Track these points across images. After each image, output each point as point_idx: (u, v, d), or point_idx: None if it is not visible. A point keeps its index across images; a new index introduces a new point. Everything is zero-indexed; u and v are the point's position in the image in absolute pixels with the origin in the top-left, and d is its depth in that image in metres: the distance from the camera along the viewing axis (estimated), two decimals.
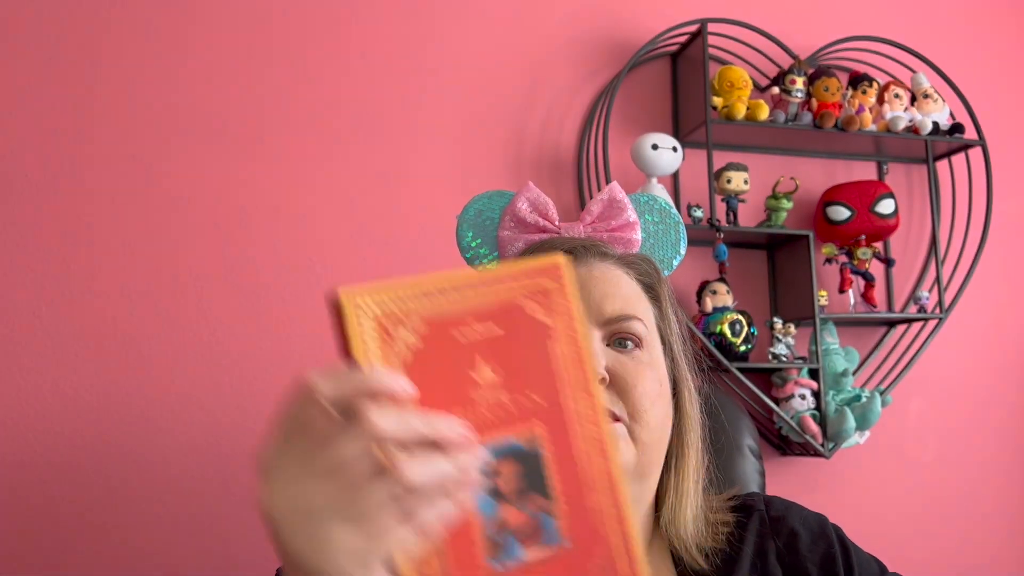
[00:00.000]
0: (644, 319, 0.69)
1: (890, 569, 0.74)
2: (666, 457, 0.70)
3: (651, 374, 0.67)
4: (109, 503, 1.42)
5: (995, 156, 1.93)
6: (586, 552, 0.48)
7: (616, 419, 0.65)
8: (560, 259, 0.51)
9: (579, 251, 0.71)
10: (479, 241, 0.81)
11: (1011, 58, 2.13)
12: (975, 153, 1.93)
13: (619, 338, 0.68)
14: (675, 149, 1.67)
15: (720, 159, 1.77)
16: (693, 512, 0.70)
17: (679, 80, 1.85)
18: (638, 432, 0.65)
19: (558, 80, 1.78)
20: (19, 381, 1.41)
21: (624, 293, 0.69)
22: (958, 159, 1.97)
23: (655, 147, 1.64)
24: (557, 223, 0.78)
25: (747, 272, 1.84)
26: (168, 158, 1.53)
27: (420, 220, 1.64)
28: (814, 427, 1.68)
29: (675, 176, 1.80)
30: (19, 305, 1.43)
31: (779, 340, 1.72)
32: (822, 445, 1.69)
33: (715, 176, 1.73)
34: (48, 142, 1.48)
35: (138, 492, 1.43)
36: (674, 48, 1.85)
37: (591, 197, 1.74)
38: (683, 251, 0.81)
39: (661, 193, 1.69)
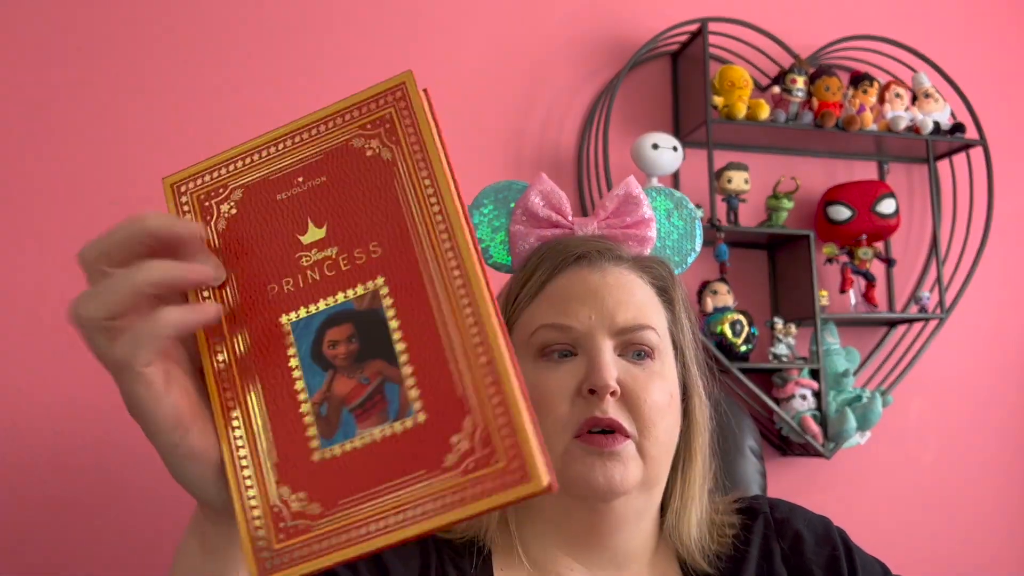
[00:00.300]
0: (657, 327, 0.68)
1: (893, 572, 0.74)
2: (673, 461, 0.70)
3: (661, 385, 0.67)
4: (110, 503, 1.42)
5: (996, 156, 1.93)
6: (449, 424, 0.38)
7: (626, 435, 0.64)
8: (405, 76, 0.44)
9: (593, 255, 0.70)
10: (491, 235, 0.79)
11: (1012, 58, 2.12)
12: (976, 153, 1.93)
13: (632, 347, 0.67)
14: (675, 149, 1.66)
15: (720, 159, 1.77)
16: (698, 516, 0.70)
17: (679, 80, 1.85)
18: (647, 447, 0.65)
19: (558, 80, 1.78)
20: (19, 381, 1.41)
21: (638, 300, 0.68)
22: (959, 159, 1.97)
23: (655, 147, 1.64)
24: (570, 218, 0.75)
25: (748, 272, 1.84)
26: (168, 159, 1.53)
27: None
28: (815, 427, 1.68)
29: (675, 176, 1.80)
30: (19, 305, 1.43)
31: (780, 340, 1.72)
32: (823, 445, 1.69)
33: (716, 176, 1.73)
34: (48, 142, 1.48)
35: (139, 492, 1.43)
36: (674, 47, 1.85)
37: (591, 197, 1.74)
38: (699, 247, 0.78)
39: None
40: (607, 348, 0.65)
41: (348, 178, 0.42)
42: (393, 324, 0.40)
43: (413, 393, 0.39)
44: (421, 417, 0.39)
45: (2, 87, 1.47)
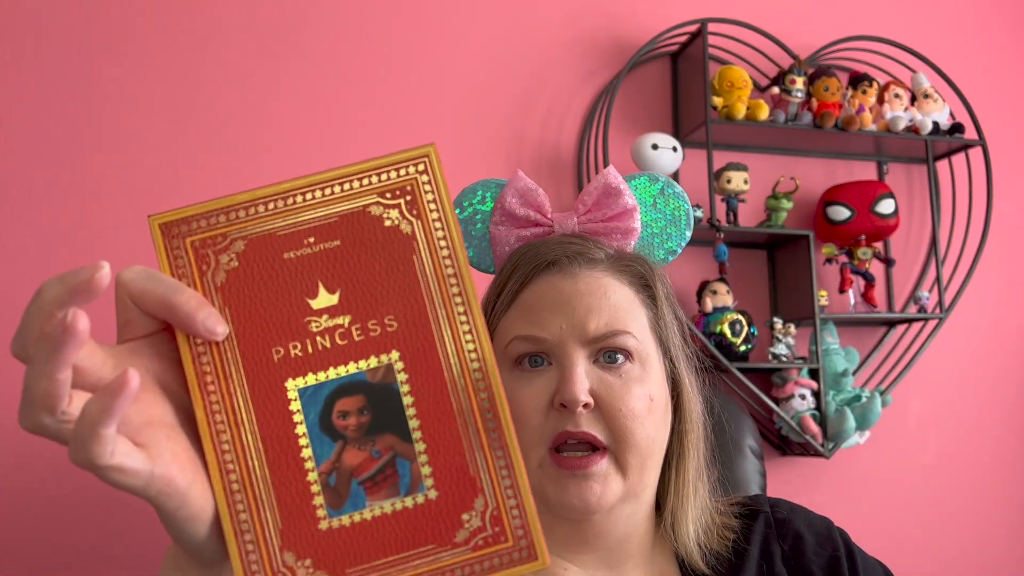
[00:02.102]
0: (634, 330, 0.66)
1: (894, 572, 0.74)
2: (667, 458, 0.69)
3: (639, 390, 0.64)
4: (110, 503, 1.42)
5: (995, 156, 1.93)
6: (460, 502, 0.40)
7: (602, 449, 0.63)
8: (429, 148, 0.43)
9: (563, 261, 0.68)
10: (470, 235, 0.76)
11: (1011, 58, 2.12)
12: (975, 153, 1.93)
13: (607, 353, 0.65)
14: (675, 149, 1.67)
15: (720, 159, 1.77)
16: (695, 514, 0.69)
17: (679, 80, 1.85)
18: (626, 458, 0.63)
19: (558, 80, 1.78)
20: (19, 382, 1.41)
21: (612, 304, 0.66)
22: (958, 159, 1.97)
23: (655, 147, 1.64)
24: (549, 215, 0.73)
25: (747, 272, 1.84)
26: (168, 161, 1.53)
27: None
28: (814, 427, 1.68)
29: (675, 176, 1.80)
30: (20, 306, 1.42)
31: (779, 340, 1.72)
32: (822, 445, 1.69)
33: (715, 176, 1.73)
34: (48, 143, 1.48)
35: None
36: (674, 48, 1.85)
37: None
38: (689, 232, 0.75)
39: None
40: (579, 359, 0.64)
41: (364, 245, 0.42)
42: (407, 400, 0.41)
43: (425, 470, 0.41)
44: (432, 494, 0.40)
45: (4, 88, 1.47)
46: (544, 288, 0.67)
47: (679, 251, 0.76)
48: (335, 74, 1.64)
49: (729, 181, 1.74)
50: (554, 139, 1.76)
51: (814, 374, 1.72)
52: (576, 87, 1.79)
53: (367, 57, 1.67)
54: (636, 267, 0.70)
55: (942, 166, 1.99)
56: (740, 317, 1.66)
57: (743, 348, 1.66)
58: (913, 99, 1.89)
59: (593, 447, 0.63)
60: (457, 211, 0.76)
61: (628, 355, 0.65)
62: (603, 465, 0.63)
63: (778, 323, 1.74)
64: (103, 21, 1.54)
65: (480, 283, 0.75)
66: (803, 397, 1.71)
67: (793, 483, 1.79)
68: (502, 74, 1.75)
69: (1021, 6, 2.16)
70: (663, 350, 0.69)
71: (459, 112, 1.70)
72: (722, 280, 1.72)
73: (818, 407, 1.71)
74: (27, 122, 1.48)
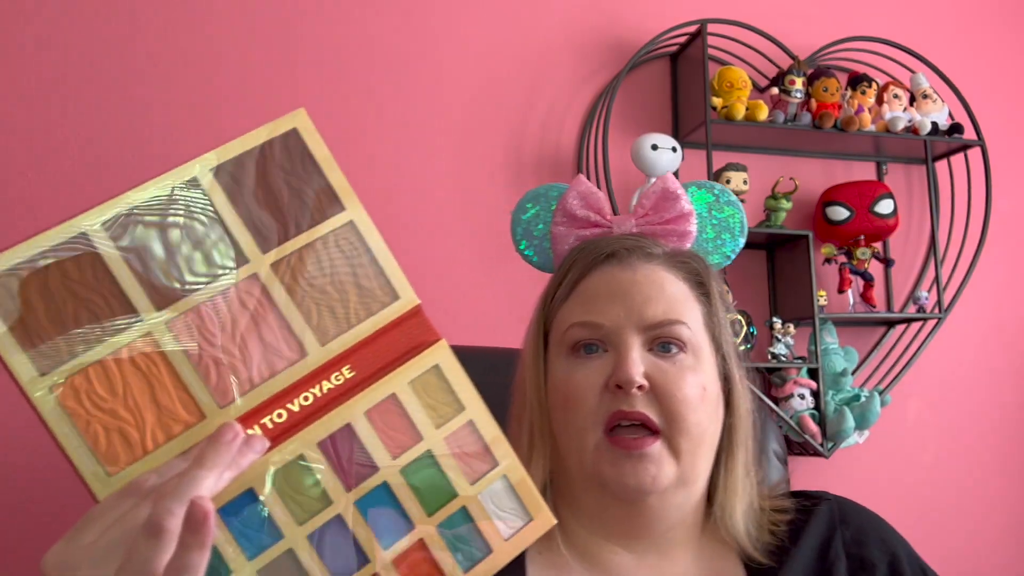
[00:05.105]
0: (689, 321, 0.68)
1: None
2: (717, 452, 0.70)
3: (693, 379, 0.66)
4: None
5: (994, 156, 1.93)
6: None
7: (655, 431, 0.65)
8: None
9: (622, 253, 0.71)
10: (534, 237, 0.80)
11: (1011, 58, 2.13)
12: (974, 153, 1.94)
13: (662, 342, 0.67)
14: (675, 149, 1.67)
15: (720, 159, 1.78)
16: (743, 507, 0.70)
17: (679, 80, 1.86)
18: (678, 442, 0.65)
19: (558, 80, 1.78)
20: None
21: (668, 295, 0.68)
22: (957, 159, 1.97)
23: (655, 147, 1.65)
24: (608, 217, 0.76)
25: (747, 272, 1.85)
26: (170, 159, 1.53)
27: (418, 220, 1.64)
28: (813, 427, 1.68)
29: (675, 176, 1.80)
30: None
31: (778, 340, 1.73)
32: (821, 445, 1.69)
33: (714, 176, 1.73)
34: (45, 143, 1.48)
35: None
36: (674, 48, 1.85)
37: None
38: (742, 239, 0.78)
39: None
40: (634, 344, 0.66)
41: None
42: None
43: None
44: None
45: (4, 85, 1.48)
46: (603, 278, 0.70)
47: (733, 257, 0.79)
48: (337, 74, 1.65)
49: (728, 181, 1.74)
50: (554, 139, 1.76)
51: (813, 374, 1.73)
52: (576, 87, 1.79)
53: (367, 60, 1.67)
54: (692, 264, 0.73)
55: (941, 166, 1.99)
56: (739, 317, 1.66)
57: (742, 348, 1.66)
58: (912, 99, 1.89)
59: (647, 430, 0.65)
60: (522, 214, 0.81)
61: (682, 345, 0.68)
62: (657, 447, 0.65)
63: (777, 323, 1.74)
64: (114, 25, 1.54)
65: (540, 282, 0.76)
66: (802, 397, 1.71)
67: (792, 483, 1.79)
68: (502, 74, 1.75)
69: (1021, 6, 2.16)
70: (715, 346, 0.71)
71: (460, 112, 1.71)
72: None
73: (817, 407, 1.71)
74: (28, 121, 1.48)
